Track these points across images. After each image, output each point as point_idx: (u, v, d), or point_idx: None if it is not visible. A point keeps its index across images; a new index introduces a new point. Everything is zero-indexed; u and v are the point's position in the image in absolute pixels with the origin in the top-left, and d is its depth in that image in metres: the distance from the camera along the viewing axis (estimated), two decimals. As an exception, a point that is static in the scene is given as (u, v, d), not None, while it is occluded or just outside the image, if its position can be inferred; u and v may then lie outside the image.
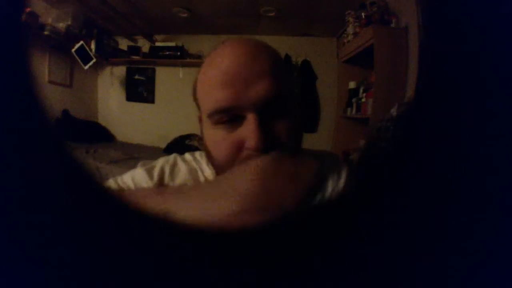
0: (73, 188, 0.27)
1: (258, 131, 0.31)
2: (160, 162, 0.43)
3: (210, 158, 0.37)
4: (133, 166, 0.43)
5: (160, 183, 0.40)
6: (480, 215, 0.25)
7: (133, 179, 0.40)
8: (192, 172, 0.42)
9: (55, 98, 2.39)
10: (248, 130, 0.31)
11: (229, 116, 0.33)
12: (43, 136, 0.26)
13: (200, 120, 0.39)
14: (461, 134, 0.25)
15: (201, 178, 0.41)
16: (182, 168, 0.43)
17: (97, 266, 0.26)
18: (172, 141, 2.37)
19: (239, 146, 0.32)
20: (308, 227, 0.26)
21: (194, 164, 0.43)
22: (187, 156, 0.45)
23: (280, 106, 0.33)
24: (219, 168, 0.36)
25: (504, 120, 0.25)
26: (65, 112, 2.40)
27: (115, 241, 0.26)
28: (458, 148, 0.25)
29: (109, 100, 2.87)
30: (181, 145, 2.28)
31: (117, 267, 0.26)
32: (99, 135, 2.65)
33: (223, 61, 0.33)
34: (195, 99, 0.39)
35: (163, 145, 2.41)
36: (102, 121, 2.84)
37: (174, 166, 0.43)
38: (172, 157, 0.45)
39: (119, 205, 0.30)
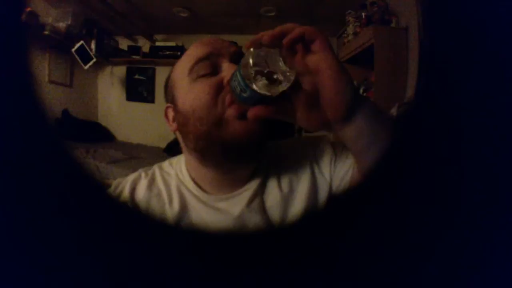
0: (73, 188, 0.27)
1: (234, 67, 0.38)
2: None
3: (188, 125, 0.39)
4: (133, 166, 0.43)
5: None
6: (480, 214, 0.25)
7: None
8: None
9: (55, 98, 2.38)
10: (226, 68, 0.39)
11: (209, 66, 0.39)
12: (43, 136, 0.26)
13: (167, 112, 0.43)
14: (461, 134, 0.25)
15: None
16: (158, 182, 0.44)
17: (97, 266, 0.26)
18: (172, 141, 2.37)
19: (219, 85, 0.38)
20: (310, 228, 0.26)
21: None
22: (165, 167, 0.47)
23: None
24: (199, 127, 0.37)
25: (504, 120, 0.25)
26: (65, 112, 2.40)
27: (114, 241, 0.26)
28: (458, 148, 0.25)
29: (109, 100, 2.87)
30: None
31: (116, 266, 0.26)
32: (99, 135, 2.64)
33: (203, 39, 0.42)
34: (168, 86, 0.44)
35: (163, 145, 2.40)
36: (102, 121, 2.83)
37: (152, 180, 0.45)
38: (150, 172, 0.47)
39: (119, 204, 0.30)
